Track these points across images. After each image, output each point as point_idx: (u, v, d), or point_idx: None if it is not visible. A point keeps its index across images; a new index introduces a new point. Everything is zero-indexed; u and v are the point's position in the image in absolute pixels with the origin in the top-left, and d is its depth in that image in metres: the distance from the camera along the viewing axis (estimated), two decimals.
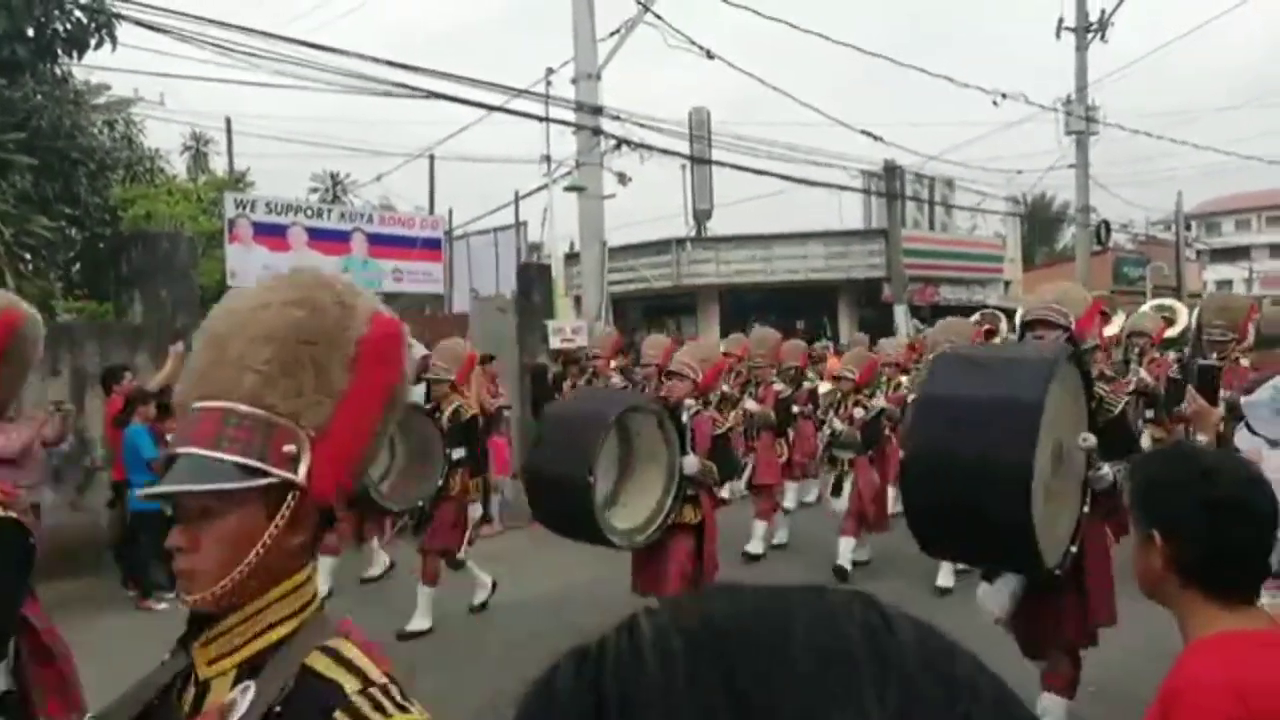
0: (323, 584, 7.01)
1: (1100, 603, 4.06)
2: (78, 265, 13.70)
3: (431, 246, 14.75)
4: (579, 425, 4.98)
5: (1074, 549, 3.52)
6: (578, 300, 17.80)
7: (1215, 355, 6.37)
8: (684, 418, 5.34)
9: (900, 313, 23.17)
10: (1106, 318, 9.81)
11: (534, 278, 15.20)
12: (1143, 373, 7.75)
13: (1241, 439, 3.14)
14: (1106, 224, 25.37)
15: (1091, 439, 3.71)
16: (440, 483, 6.76)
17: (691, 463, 5.21)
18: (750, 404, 8.40)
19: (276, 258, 12.55)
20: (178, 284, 10.74)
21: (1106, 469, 3.77)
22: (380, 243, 13.92)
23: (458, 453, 6.89)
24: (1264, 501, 1.58)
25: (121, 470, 7.83)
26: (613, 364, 10.57)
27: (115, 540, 8.12)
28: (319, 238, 13.12)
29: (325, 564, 7.07)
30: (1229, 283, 45.40)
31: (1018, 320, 4.38)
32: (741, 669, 0.39)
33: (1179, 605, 1.63)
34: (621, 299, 20.75)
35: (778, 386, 8.92)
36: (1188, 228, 35.01)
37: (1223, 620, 1.56)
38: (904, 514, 3.42)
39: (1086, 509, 3.69)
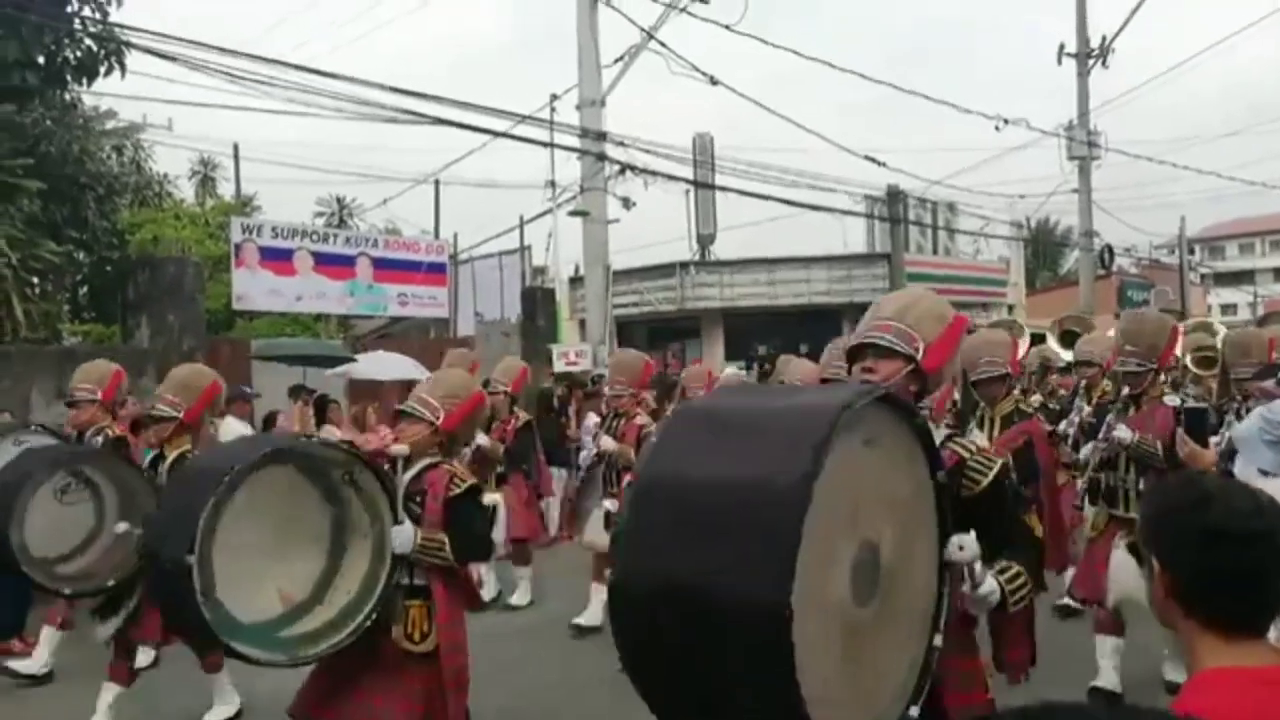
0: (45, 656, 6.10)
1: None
2: (85, 289, 13.80)
3: (436, 271, 14.84)
4: (196, 484, 3.42)
5: (914, 712, 2.15)
6: (582, 324, 17.84)
7: (1241, 396, 5.74)
8: (408, 472, 3.84)
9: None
10: (1022, 345, 8.61)
11: (538, 301, 15.28)
12: (1086, 410, 6.23)
13: (1239, 469, 3.15)
14: (1110, 248, 25.43)
15: (970, 545, 2.27)
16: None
17: (404, 537, 3.63)
18: (607, 442, 6.83)
19: (282, 282, 12.65)
20: (184, 308, 10.82)
21: (991, 581, 2.40)
22: (385, 267, 14.01)
23: None
24: (1267, 531, 1.51)
25: None
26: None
27: None
28: (325, 262, 13.21)
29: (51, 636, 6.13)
30: (1233, 307, 45.37)
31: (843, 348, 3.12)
32: None
33: (1182, 636, 1.59)
34: (625, 322, 20.78)
35: (641, 420, 7.01)
36: (1191, 252, 35.04)
37: (1223, 653, 1.52)
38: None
39: (939, 641, 2.24)
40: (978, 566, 2.33)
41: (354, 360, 11.74)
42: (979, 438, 5.11)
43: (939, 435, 2.49)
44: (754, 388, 6.45)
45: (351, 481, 3.61)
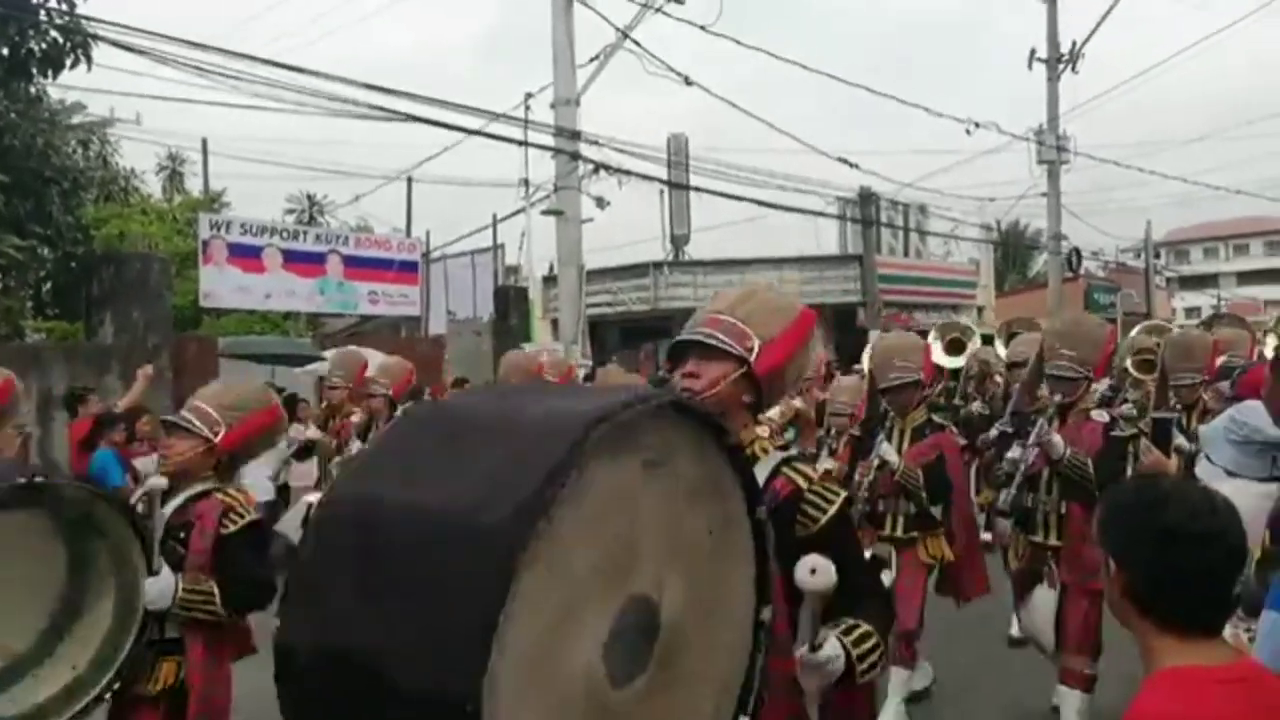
0: None
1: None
2: (48, 285, 13.56)
3: (408, 269, 14.74)
4: None
5: None
6: (555, 323, 17.81)
7: (1180, 404, 5.43)
8: (171, 503, 3.19)
9: (875, 338, 23.32)
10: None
11: (511, 300, 15.23)
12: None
13: (1202, 469, 3.19)
14: (1078, 251, 25.73)
15: (825, 569, 1.80)
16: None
17: (158, 589, 2.95)
18: None
19: (251, 279, 12.51)
20: (150, 305, 10.67)
21: (834, 643, 1.93)
22: (356, 265, 13.90)
23: None
24: (1222, 531, 1.53)
25: None
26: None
27: None
28: (294, 259, 13.09)
29: None
30: (1198, 310, 46.04)
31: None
32: None
33: (1139, 635, 1.60)
34: (599, 322, 20.76)
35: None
36: (1157, 256, 35.57)
37: (1179, 653, 1.53)
38: None
39: None
40: (815, 631, 1.87)
41: (323, 359, 11.63)
42: (888, 451, 4.89)
43: (770, 460, 2.13)
44: (527, 386, 5.15)
45: (91, 525, 2.88)
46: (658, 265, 23.75)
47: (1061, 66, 23.06)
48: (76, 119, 15.33)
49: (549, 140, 14.39)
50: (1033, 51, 23.18)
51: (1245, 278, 59.03)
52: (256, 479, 8.69)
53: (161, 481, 3.12)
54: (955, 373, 9.36)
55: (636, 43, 14.28)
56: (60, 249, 11.83)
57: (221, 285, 12.38)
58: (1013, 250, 42.14)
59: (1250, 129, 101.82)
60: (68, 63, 10.78)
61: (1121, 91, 50.39)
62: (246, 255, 12.50)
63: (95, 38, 10.48)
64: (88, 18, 10.42)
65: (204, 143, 20.34)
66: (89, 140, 16.64)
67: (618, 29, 14.23)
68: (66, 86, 12.62)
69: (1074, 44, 22.99)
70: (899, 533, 5.00)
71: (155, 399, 8.47)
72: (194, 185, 25.35)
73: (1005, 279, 38.14)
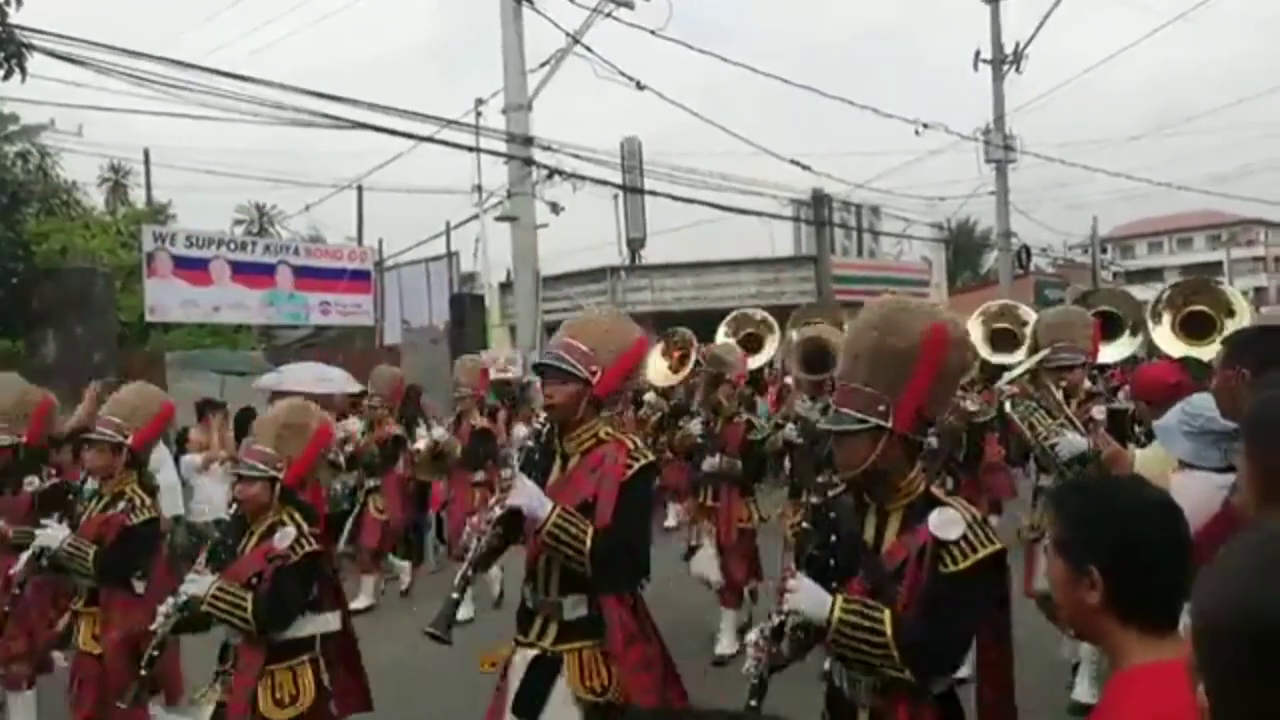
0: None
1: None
2: None
3: (360, 278, 14.57)
4: None
5: None
6: (513, 330, 17.68)
7: (1060, 386, 4.83)
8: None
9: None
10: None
11: (467, 308, 15.09)
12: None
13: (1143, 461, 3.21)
14: (1027, 249, 26.15)
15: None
16: None
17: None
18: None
19: (198, 292, 12.28)
20: (94, 320, 10.41)
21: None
22: (307, 275, 13.70)
23: None
24: (1174, 530, 1.57)
25: None
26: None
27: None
28: (242, 271, 12.87)
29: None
30: (1144, 304, 47.10)
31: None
32: None
33: (1103, 638, 1.61)
34: (556, 328, 20.65)
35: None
36: (1104, 251, 36.30)
37: (1146, 650, 1.54)
38: None
39: None
40: None
41: (274, 370, 11.41)
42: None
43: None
44: None
45: None
46: (614, 270, 23.72)
47: (1006, 67, 23.44)
48: (10, 130, 14.92)
49: (501, 146, 14.29)
50: (978, 53, 23.54)
51: (1189, 270, 60.25)
52: (211, 494, 8.50)
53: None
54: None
55: (587, 47, 14.26)
56: (0, 265, 11.51)
57: (168, 298, 12.12)
58: (963, 248, 42.74)
59: (1191, 125, 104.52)
60: (1, 73, 10.48)
61: (1065, 91, 51.50)
62: (193, 267, 12.25)
63: (30, 47, 10.20)
64: (21, 27, 10.13)
65: (146, 153, 19.90)
66: (28, 153, 16.19)
67: (568, 34, 14.20)
68: (3, 99, 12.29)
69: (1017, 44, 23.39)
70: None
71: None
72: (139, 197, 24.83)
73: (957, 277, 38.71)
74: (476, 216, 16.95)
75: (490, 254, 18.07)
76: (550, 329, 17.96)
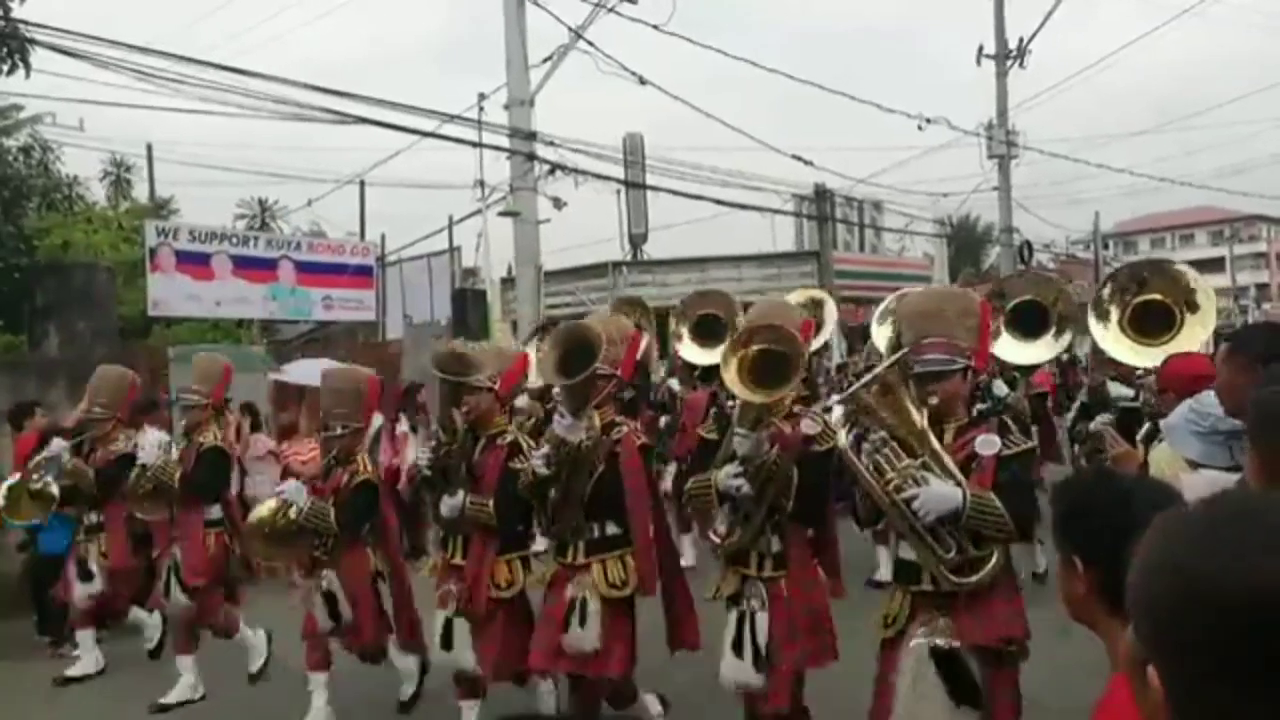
0: None
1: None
2: None
3: (363, 273, 14.56)
4: None
5: None
6: (514, 325, 17.69)
7: (928, 403, 3.31)
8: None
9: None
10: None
11: (469, 303, 15.09)
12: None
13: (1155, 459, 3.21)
14: (1029, 244, 26.12)
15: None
16: None
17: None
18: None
19: (201, 287, 12.28)
20: (96, 315, 10.41)
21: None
22: (309, 270, 13.69)
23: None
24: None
25: None
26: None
27: (27, 584, 7.75)
28: (245, 265, 12.86)
29: None
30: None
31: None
32: None
33: (1104, 631, 1.60)
34: (558, 323, 20.65)
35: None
36: (1105, 247, 36.25)
37: None
38: None
39: None
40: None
41: (277, 367, 11.41)
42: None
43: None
44: None
45: None
46: (617, 265, 23.70)
47: (1010, 62, 23.39)
48: (11, 120, 14.92)
49: (504, 141, 14.27)
50: (981, 48, 23.49)
51: (1191, 266, 60.40)
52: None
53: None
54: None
55: (590, 42, 14.22)
56: (2, 260, 11.52)
57: (170, 293, 12.12)
58: (965, 244, 42.71)
59: (1194, 121, 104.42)
60: (4, 69, 10.48)
61: (1069, 86, 51.44)
62: (195, 262, 12.25)
63: (33, 42, 10.19)
64: (24, 22, 10.13)
65: (149, 148, 19.92)
66: (30, 148, 16.19)
67: (571, 29, 14.16)
68: (5, 93, 12.29)
69: (1021, 39, 23.34)
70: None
71: None
72: (141, 192, 24.83)
73: (959, 272, 38.69)
74: (479, 212, 16.94)
75: (492, 249, 18.07)
76: (553, 324, 17.91)
